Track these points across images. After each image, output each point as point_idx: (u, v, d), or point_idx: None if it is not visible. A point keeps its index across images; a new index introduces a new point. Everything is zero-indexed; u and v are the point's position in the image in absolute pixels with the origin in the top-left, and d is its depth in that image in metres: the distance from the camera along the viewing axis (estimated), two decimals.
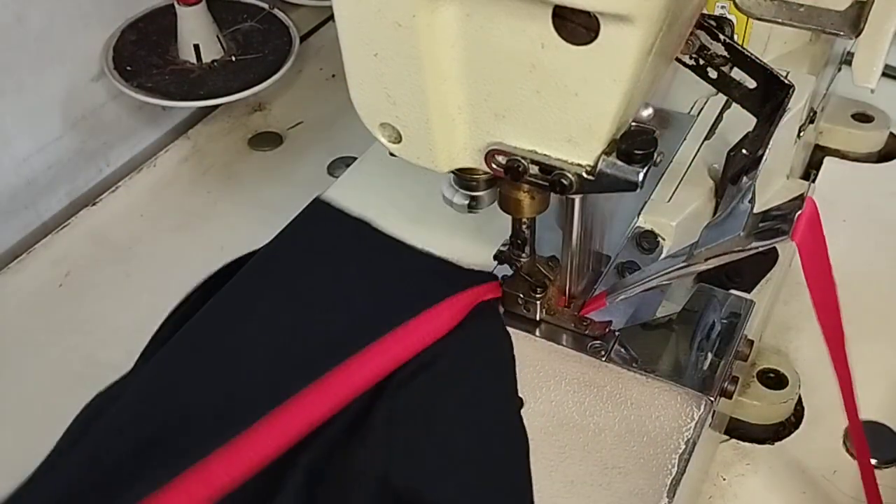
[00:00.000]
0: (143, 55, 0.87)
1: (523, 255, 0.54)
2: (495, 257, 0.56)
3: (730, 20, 0.54)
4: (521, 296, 0.55)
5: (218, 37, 0.88)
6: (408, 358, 0.49)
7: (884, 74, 0.64)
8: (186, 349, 0.52)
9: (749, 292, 0.58)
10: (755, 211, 0.47)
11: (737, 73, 0.55)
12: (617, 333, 0.54)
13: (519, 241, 0.54)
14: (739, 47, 0.54)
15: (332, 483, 0.45)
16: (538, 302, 0.55)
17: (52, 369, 0.72)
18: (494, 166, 0.47)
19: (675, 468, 0.49)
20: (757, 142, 0.55)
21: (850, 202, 0.78)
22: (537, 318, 0.55)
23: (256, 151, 0.92)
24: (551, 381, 0.52)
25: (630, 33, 0.39)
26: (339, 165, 0.87)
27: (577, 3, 0.38)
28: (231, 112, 0.96)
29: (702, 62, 0.55)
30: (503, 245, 0.56)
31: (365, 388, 0.48)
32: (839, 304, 0.48)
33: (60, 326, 0.75)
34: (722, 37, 0.53)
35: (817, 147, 0.85)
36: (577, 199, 0.51)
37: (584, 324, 0.54)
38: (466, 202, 0.51)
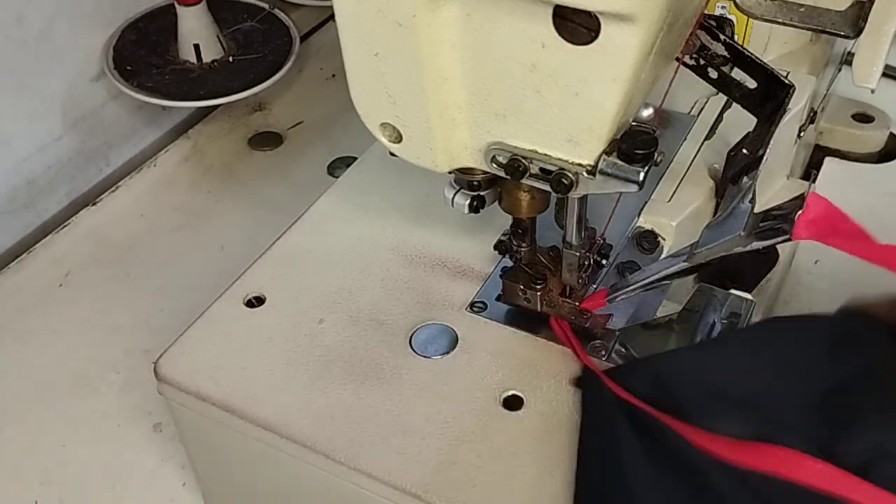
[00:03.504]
0: (143, 55, 0.87)
1: (524, 245, 0.54)
2: (495, 247, 0.56)
3: (730, 20, 0.54)
4: (522, 287, 0.54)
5: (218, 37, 0.88)
6: None
7: (884, 74, 0.64)
8: None
9: (749, 292, 0.58)
10: (755, 211, 0.47)
11: (737, 73, 0.55)
12: (617, 333, 0.54)
13: (520, 231, 0.54)
14: (740, 47, 0.54)
15: None
16: (538, 294, 0.54)
17: (53, 369, 0.72)
18: (495, 166, 0.47)
19: None
20: (757, 142, 0.55)
21: (850, 202, 0.77)
22: (538, 310, 0.55)
23: (256, 151, 0.92)
24: (552, 381, 0.52)
25: (631, 33, 0.39)
26: (339, 165, 0.88)
27: (578, 3, 0.38)
28: (231, 112, 0.96)
29: (702, 62, 0.55)
30: (503, 234, 0.55)
31: None
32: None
33: (60, 326, 0.75)
34: (722, 37, 0.53)
35: (817, 147, 0.85)
36: (576, 199, 0.51)
37: (585, 316, 0.54)
38: (467, 202, 0.51)
